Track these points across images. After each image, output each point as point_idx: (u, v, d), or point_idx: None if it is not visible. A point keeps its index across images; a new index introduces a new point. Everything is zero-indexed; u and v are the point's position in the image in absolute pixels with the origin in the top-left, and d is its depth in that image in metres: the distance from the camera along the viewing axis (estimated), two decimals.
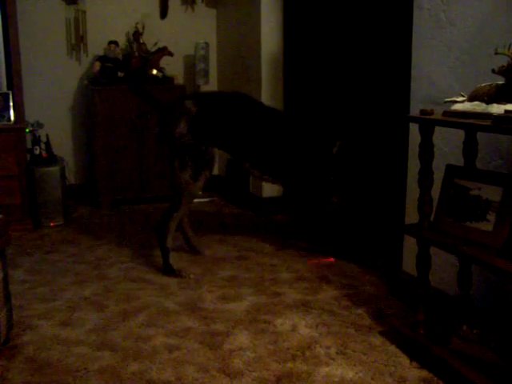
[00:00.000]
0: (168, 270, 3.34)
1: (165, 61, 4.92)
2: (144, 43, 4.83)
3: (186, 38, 5.16)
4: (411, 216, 2.81)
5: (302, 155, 3.44)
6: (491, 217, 2.13)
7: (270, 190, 4.47)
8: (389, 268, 3.28)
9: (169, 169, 3.42)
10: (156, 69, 4.83)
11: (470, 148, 2.32)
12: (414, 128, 2.71)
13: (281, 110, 4.37)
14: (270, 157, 3.43)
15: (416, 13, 2.79)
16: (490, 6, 2.38)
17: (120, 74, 4.72)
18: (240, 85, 4.86)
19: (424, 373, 2.31)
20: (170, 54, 4.88)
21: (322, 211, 3.79)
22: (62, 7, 4.82)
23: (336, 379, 2.28)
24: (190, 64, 5.17)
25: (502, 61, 2.05)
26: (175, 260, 3.39)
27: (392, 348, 2.50)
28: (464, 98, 2.20)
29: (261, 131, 3.40)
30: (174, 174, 3.32)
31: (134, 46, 4.91)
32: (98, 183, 4.73)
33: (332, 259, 3.51)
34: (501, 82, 2.07)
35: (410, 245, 2.83)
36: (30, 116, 4.55)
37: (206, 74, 4.99)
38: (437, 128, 2.37)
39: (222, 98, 3.56)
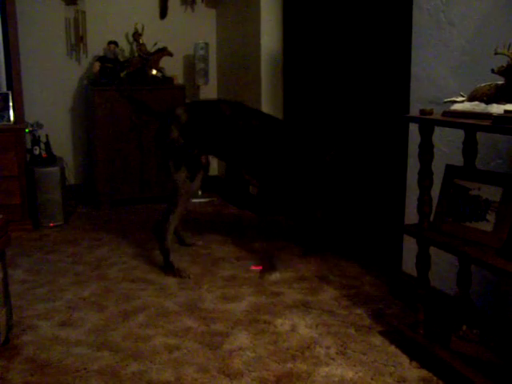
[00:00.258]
0: (169, 269, 3.35)
1: (164, 61, 4.92)
2: (144, 43, 4.83)
3: (185, 38, 5.16)
4: (411, 216, 2.81)
5: (292, 164, 3.42)
6: (491, 217, 2.13)
7: None
8: (388, 268, 3.28)
9: (165, 172, 3.50)
10: (156, 69, 4.84)
11: (469, 148, 2.32)
12: (413, 128, 2.71)
13: (277, 115, 4.39)
14: (260, 164, 3.45)
15: (416, 13, 2.79)
16: (490, 7, 2.38)
17: (122, 74, 4.73)
18: (240, 85, 4.87)
19: (424, 373, 2.31)
20: (170, 55, 4.89)
21: (306, 222, 3.80)
22: (62, 7, 4.83)
23: (336, 379, 2.28)
24: (190, 64, 5.18)
25: (502, 61, 2.05)
26: (175, 260, 3.39)
27: (392, 348, 2.50)
28: (464, 98, 2.20)
29: (251, 139, 3.41)
30: (170, 175, 3.40)
31: (134, 46, 4.93)
32: (97, 183, 4.73)
33: (261, 267, 3.44)
34: (500, 82, 2.07)
35: (410, 245, 2.83)
36: (30, 116, 4.55)
37: (205, 74, 4.99)
38: (436, 128, 2.37)
39: (212, 106, 3.59)
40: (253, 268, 3.41)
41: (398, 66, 3.19)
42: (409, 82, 2.87)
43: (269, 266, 3.29)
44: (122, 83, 4.66)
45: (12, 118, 4.15)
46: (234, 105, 3.56)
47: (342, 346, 2.53)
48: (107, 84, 4.67)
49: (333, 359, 2.42)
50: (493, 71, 2.05)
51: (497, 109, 2.01)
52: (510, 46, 2.02)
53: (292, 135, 3.50)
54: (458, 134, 2.40)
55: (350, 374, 2.31)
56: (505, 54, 2.01)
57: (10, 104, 4.15)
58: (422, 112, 2.28)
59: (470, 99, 2.16)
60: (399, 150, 3.07)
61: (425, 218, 2.38)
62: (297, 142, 3.47)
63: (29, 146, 4.41)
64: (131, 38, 4.96)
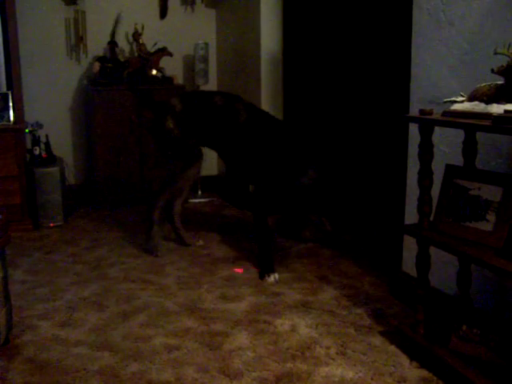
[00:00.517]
0: (147, 240, 3.61)
1: (164, 61, 4.92)
2: (143, 43, 4.83)
3: (185, 39, 5.16)
4: (411, 216, 2.81)
5: (273, 162, 3.39)
6: (491, 217, 2.13)
7: None
8: (388, 268, 3.28)
9: (162, 160, 3.68)
10: (156, 69, 4.84)
11: (469, 148, 2.32)
12: (413, 128, 2.71)
13: (277, 115, 4.39)
14: (245, 159, 3.48)
15: (416, 13, 2.79)
16: (490, 6, 2.38)
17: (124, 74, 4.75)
18: (239, 85, 4.87)
19: (424, 373, 2.31)
20: (170, 55, 4.89)
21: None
22: (62, 7, 4.82)
23: (336, 379, 2.28)
24: (190, 64, 5.18)
25: (502, 61, 2.05)
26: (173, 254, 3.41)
27: (392, 348, 2.50)
28: (463, 98, 2.20)
29: (238, 132, 3.44)
30: (167, 164, 3.56)
31: (134, 46, 4.93)
32: (97, 183, 4.73)
33: (241, 270, 3.42)
34: (500, 82, 2.07)
35: (410, 245, 2.83)
36: (30, 116, 4.55)
37: (205, 74, 4.99)
38: (436, 128, 2.37)
39: (206, 97, 3.63)
40: (235, 270, 3.40)
41: (397, 66, 3.19)
42: (409, 82, 2.87)
43: (268, 267, 3.28)
44: (122, 82, 4.67)
45: (12, 118, 4.15)
46: (228, 96, 3.60)
47: (341, 346, 2.53)
48: (107, 84, 4.67)
49: (333, 359, 2.42)
50: (493, 71, 2.05)
51: (497, 109, 2.00)
52: (509, 45, 2.02)
53: (279, 133, 3.47)
54: (458, 134, 2.40)
55: (350, 374, 2.31)
56: (505, 54, 2.01)
57: (10, 104, 4.14)
58: (422, 112, 2.28)
59: (470, 99, 2.15)
60: (399, 149, 3.07)
61: (425, 218, 2.37)
62: (282, 140, 3.44)
63: (29, 146, 4.41)
64: (131, 38, 4.96)
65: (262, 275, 3.26)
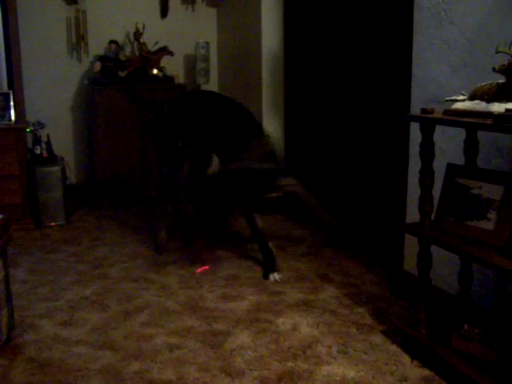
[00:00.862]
0: (155, 237, 3.75)
1: (165, 60, 4.93)
2: (144, 43, 4.83)
3: (186, 38, 5.16)
4: (412, 215, 2.81)
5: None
6: (492, 215, 2.12)
7: None
8: (390, 267, 3.28)
9: (157, 162, 3.84)
10: (156, 68, 4.84)
11: (470, 147, 2.32)
12: (414, 127, 2.71)
13: (279, 115, 4.47)
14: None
15: (417, 12, 2.78)
16: (491, 5, 2.38)
17: (121, 74, 4.74)
18: (240, 84, 4.87)
19: (425, 372, 2.31)
20: (171, 54, 4.89)
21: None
22: (63, 7, 4.82)
23: (337, 378, 2.28)
24: (191, 63, 5.18)
25: (503, 59, 2.05)
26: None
27: (393, 347, 2.50)
28: (465, 97, 2.20)
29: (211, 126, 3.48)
30: (159, 166, 3.73)
31: (135, 45, 4.93)
32: (98, 183, 4.73)
33: (207, 267, 3.43)
34: (501, 80, 2.07)
35: (411, 244, 2.82)
36: (31, 116, 4.56)
37: (206, 73, 5.00)
38: (438, 127, 2.36)
39: (189, 97, 3.71)
40: (199, 271, 3.39)
41: (399, 65, 3.19)
42: (410, 81, 2.87)
43: (270, 266, 3.29)
44: (123, 82, 4.67)
45: (13, 118, 4.15)
46: (207, 94, 3.69)
47: (343, 345, 2.53)
48: (108, 83, 4.67)
49: (334, 358, 2.42)
50: (494, 70, 2.05)
51: (498, 107, 2.00)
52: (511, 44, 2.02)
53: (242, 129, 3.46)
54: (459, 133, 2.40)
55: (351, 373, 2.31)
56: (506, 53, 2.01)
57: (11, 104, 4.15)
58: (423, 111, 2.28)
59: (471, 98, 2.15)
60: (400, 148, 3.07)
61: (426, 217, 2.37)
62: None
63: (30, 145, 4.41)
64: (132, 38, 4.96)
65: (267, 274, 3.26)
